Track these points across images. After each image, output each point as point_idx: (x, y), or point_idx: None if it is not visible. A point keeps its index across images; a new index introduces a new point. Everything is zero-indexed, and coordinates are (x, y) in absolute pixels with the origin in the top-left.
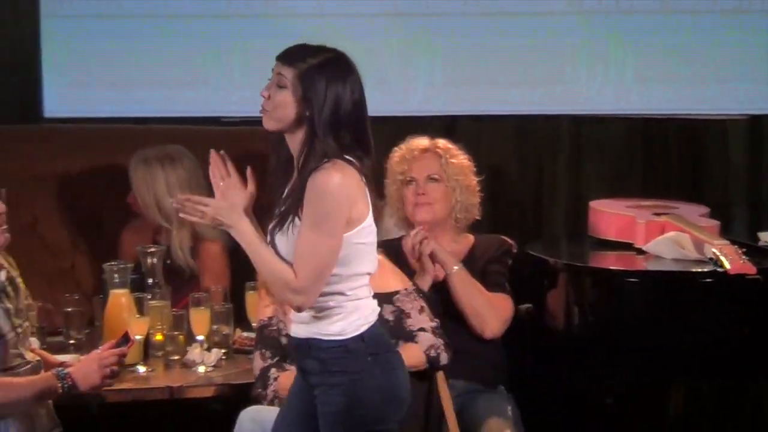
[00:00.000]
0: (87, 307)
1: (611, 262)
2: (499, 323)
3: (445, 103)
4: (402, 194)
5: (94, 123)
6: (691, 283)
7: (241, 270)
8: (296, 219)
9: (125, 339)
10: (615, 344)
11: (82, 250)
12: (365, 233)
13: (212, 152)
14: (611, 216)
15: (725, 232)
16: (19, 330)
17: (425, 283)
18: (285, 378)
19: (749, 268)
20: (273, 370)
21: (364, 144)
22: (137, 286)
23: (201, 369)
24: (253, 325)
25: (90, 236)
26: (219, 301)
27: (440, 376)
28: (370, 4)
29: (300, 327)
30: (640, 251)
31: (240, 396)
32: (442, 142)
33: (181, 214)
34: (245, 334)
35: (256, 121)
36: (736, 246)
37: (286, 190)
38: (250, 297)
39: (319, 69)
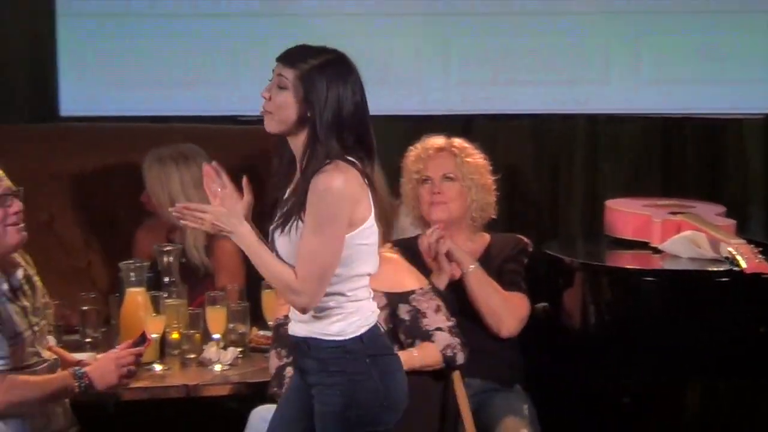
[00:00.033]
0: (103, 305)
1: (627, 261)
2: (515, 322)
3: (461, 102)
4: (417, 193)
5: (109, 122)
6: (707, 282)
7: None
8: (298, 220)
9: (142, 339)
10: (631, 343)
11: (97, 248)
12: (367, 234)
13: (205, 165)
14: (628, 215)
15: (741, 231)
16: (36, 328)
17: (441, 282)
18: None
19: (765, 267)
20: (289, 368)
21: (366, 145)
22: (153, 284)
23: (217, 367)
24: (269, 323)
25: (106, 235)
26: (235, 300)
27: (456, 375)
28: (387, 4)
29: (299, 326)
30: (657, 250)
31: (256, 394)
32: (457, 141)
33: (181, 222)
34: (261, 332)
35: None
36: (752, 245)
37: (288, 191)
38: (266, 296)
39: (320, 70)
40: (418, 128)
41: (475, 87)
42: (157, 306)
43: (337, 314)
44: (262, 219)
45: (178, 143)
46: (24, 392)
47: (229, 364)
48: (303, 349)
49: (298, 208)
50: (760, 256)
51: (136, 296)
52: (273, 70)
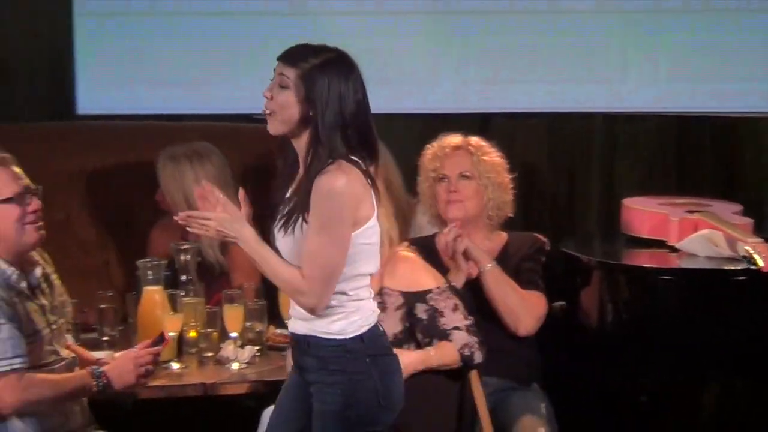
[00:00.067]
0: (120, 303)
1: (644, 259)
2: (532, 321)
3: (478, 100)
4: (434, 191)
5: (126, 120)
6: (724, 281)
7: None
8: (301, 220)
9: (161, 338)
10: (648, 342)
11: (114, 246)
12: (369, 233)
13: (197, 190)
14: (644, 213)
15: (759, 229)
16: (54, 327)
17: (459, 281)
18: None
19: None
20: None
21: (369, 144)
22: (170, 283)
23: (234, 366)
24: (287, 321)
25: (122, 233)
26: (252, 298)
27: (474, 374)
28: (404, 3)
29: (299, 324)
30: (674, 249)
31: (273, 393)
32: (474, 140)
33: (188, 229)
34: (278, 330)
35: None
36: None
37: (290, 191)
38: (283, 294)
39: (321, 68)
40: (435, 127)
41: (492, 85)
42: (174, 304)
43: (338, 313)
44: (264, 228)
45: (196, 141)
46: (42, 391)
47: (247, 363)
48: (303, 347)
49: (301, 208)
50: None
51: (154, 295)
52: (274, 70)
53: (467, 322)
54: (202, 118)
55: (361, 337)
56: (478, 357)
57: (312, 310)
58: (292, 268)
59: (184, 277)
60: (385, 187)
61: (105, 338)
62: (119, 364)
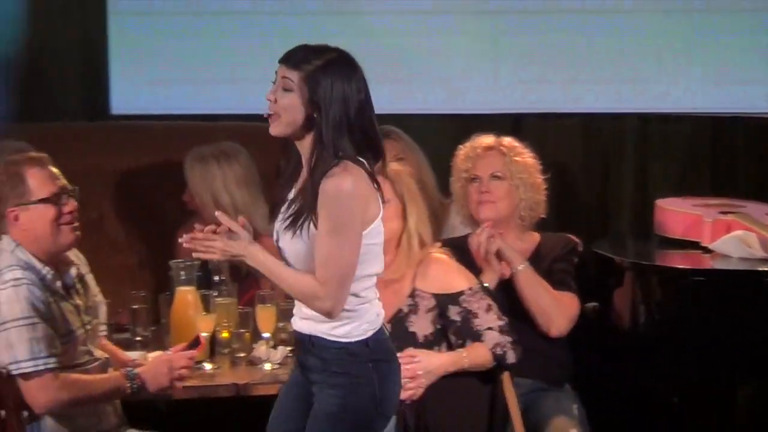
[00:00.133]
0: (153, 304)
1: (677, 260)
2: (565, 321)
3: (511, 101)
4: (466, 192)
5: (160, 120)
6: (757, 282)
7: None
8: (309, 222)
9: (196, 342)
10: (681, 343)
11: (147, 246)
12: (375, 233)
13: (186, 237)
14: (678, 214)
15: None
16: (88, 327)
17: (491, 281)
18: None
19: None
20: None
21: (374, 144)
22: (203, 283)
23: (267, 366)
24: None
25: (155, 233)
26: (284, 299)
27: (506, 376)
28: (438, 2)
29: (304, 323)
30: (707, 250)
31: None
32: (506, 140)
33: (194, 255)
34: None
35: None
36: None
37: (294, 192)
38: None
39: (324, 70)
40: (468, 127)
41: (525, 86)
42: (207, 305)
43: (346, 316)
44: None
45: (220, 141)
46: (75, 391)
47: (279, 363)
48: (307, 346)
49: (308, 210)
50: None
51: (186, 295)
52: (276, 72)
53: (501, 323)
54: (236, 118)
55: (366, 341)
56: (511, 356)
57: (329, 314)
58: (304, 275)
59: (216, 278)
60: (419, 188)
61: (138, 338)
62: (154, 367)
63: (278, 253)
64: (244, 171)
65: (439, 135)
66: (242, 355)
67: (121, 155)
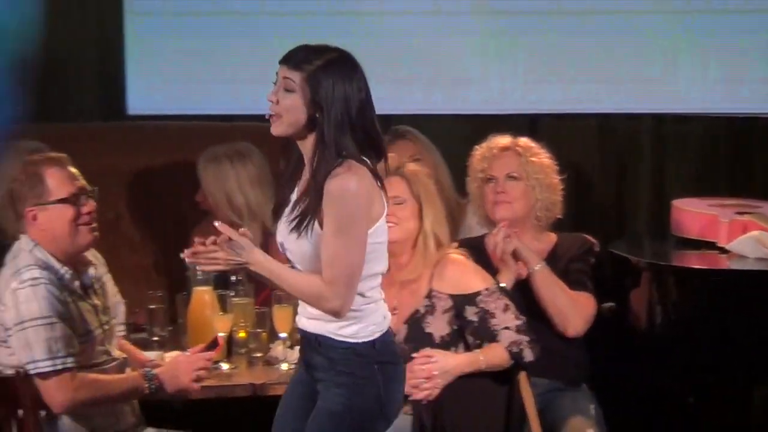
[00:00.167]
0: (170, 304)
1: (694, 261)
2: (581, 322)
3: (527, 101)
4: (482, 192)
5: (176, 120)
6: None
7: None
8: (314, 223)
9: (214, 343)
10: (697, 343)
11: (164, 246)
12: (379, 232)
13: (187, 252)
14: (694, 215)
15: None
16: (106, 327)
17: (508, 281)
18: None
19: None
20: None
21: (376, 143)
22: (220, 283)
23: (284, 366)
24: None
25: (172, 233)
26: None
27: (523, 376)
28: (453, 3)
29: (310, 322)
30: (723, 250)
31: None
32: (522, 141)
33: (198, 268)
34: None
35: None
36: None
37: (297, 193)
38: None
39: (325, 70)
40: (484, 127)
41: (541, 86)
42: (224, 305)
43: (353, 316)
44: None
45: (231, 142)
46: (93, 391)
47: (296, 363)
48: (313, 345)
49: (312, 210)
50: None
51: (203, 295)
52: (276, 73)
53: (518, 322)
54: (252, 119)
55: (373, 342)
56: (529, 354)
57: (337, 314)
58: (310, 276)
59: (233, 278)
60: (437, 189)
61: (155, 338)
62: (172, 368)
63: (281, 255)
64: (258, 171)
65: (456, 135)
66: (259, 354)
67: (137, 155)
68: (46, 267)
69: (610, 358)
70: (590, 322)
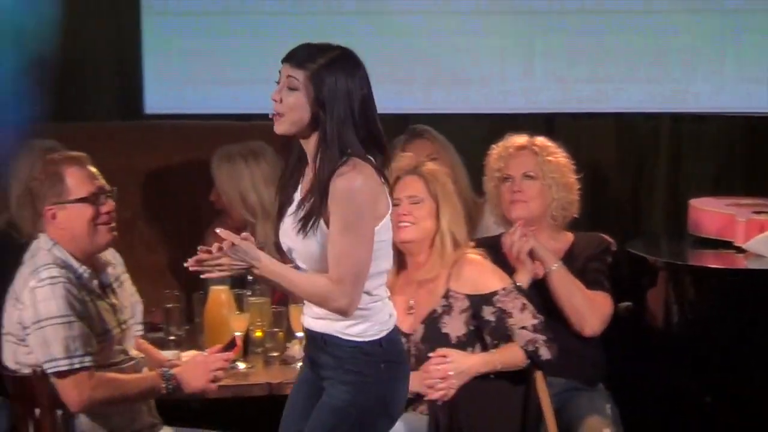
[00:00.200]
0: (186, 303)
1: (711, 260)
2: (598, 321)
3: (544, 100)
4: (499, 191)
5: (194, 119)
6: None
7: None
8: (320, 222)
9: (232, 344)
10: (714, 343)
11: (180, 245)
12: (385, 229)
13: (191, 261)
14: (711, 214)
15: None
16: (124, 326)
17: (525, 281)
18: None
19: None
20: None
21: (378, 140)
22: (236, 282)
23: (300, 365)
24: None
25: (188, 232)
26: None
27: (539, 376)
28: (470, 2)
29: (317, 322)
30: (740, 249)
31: None
32: (539, 140)
33: (202, 276)
34: None
35: None
36: None
37: (302, 192)
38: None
39: (328, 68)
40: (502, 127)
41: (558, 86)
42: (240, 304)
43: (360, 315)
44: None
45: (248, 141)
46: (111, 390)
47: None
48: (319, 344)
49: (318, 209)
50: None
51: (220, 294)
52: (279, 72)
53: (535, 321)
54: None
55: (380, 341)
56: (545, 353)
57: (345, 312)
58: (316, 276)
59: (250, 277)
60: (455, 189)
61: (171, 338)
62: (190, 368)
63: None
64: (272, 169)
65: (473, 134)
66: (275, 354)
67: (154, 154)
68: (64, 266)
69: (626, 357)
70: (607, 321)
